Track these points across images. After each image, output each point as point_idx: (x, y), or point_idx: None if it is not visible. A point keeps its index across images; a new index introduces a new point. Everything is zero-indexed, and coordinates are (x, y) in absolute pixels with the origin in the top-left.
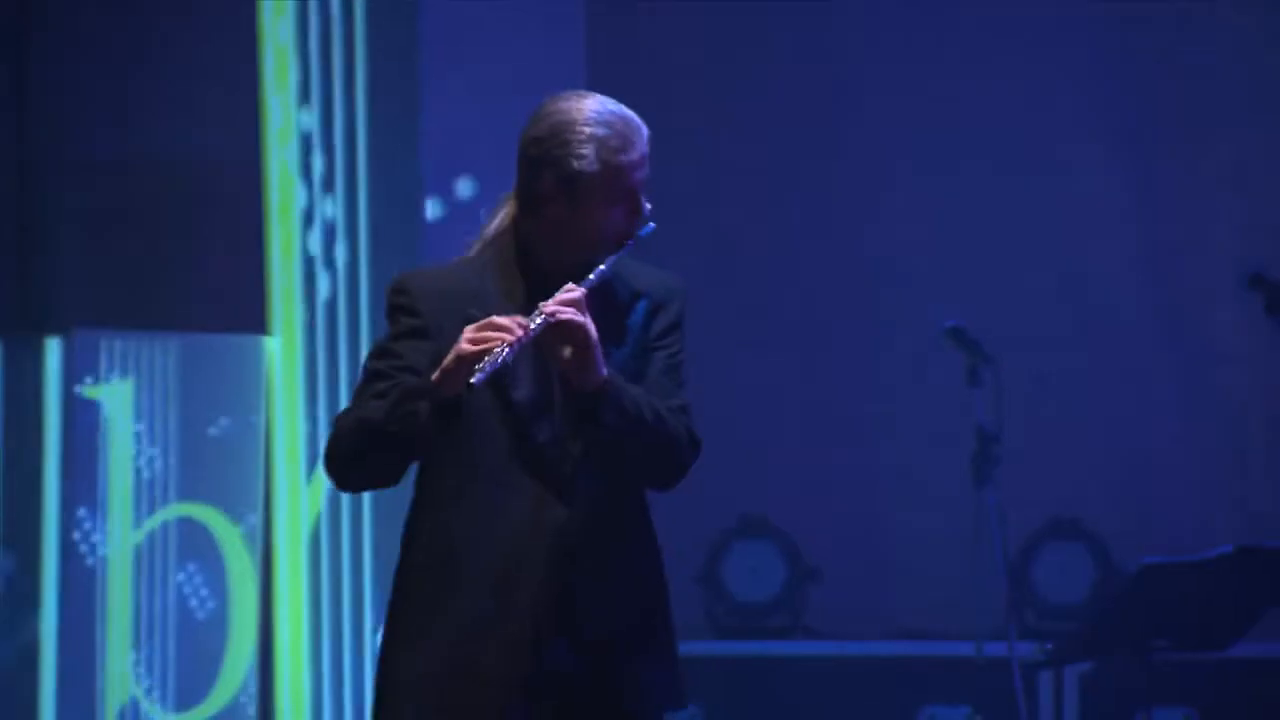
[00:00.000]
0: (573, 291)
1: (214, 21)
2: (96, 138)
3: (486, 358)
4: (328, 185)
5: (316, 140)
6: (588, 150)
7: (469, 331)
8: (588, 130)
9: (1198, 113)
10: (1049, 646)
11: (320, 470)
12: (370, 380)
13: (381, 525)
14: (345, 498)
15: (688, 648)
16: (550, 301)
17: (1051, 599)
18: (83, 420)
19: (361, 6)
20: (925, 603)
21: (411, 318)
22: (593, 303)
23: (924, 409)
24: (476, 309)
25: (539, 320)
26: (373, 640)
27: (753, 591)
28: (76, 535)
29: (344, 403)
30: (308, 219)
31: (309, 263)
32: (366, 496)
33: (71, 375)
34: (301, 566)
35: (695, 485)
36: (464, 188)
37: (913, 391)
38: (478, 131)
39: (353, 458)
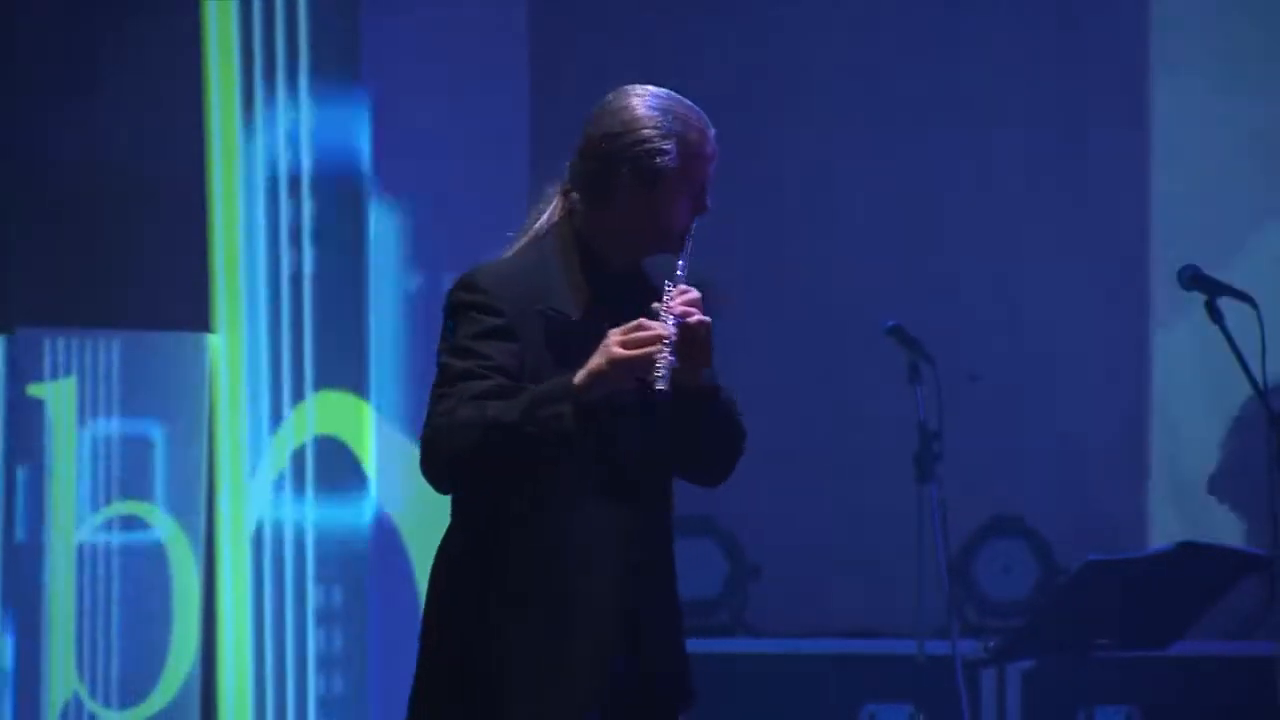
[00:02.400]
0: (690, 292)
1: (157, 23)
2: (39, 137)
3: (659, 363)
4: (271, 183)
5: (260, 139)
6: (670, 145)
7: (617, 335)
8: (667, 125)
9: (1136, 108)
10: (991, 645)
11: (264, 468)
12: (460, 379)
13: (323, 524)
14: (288, 496)
15: None
16: (673, 302)
17: (994, 596)
18: (26, 418)
19: (305, 8)
20: (867, 600)
21: (493, 316)
22: (634, 297)
23: (865, 407)
24: (548, 306)
25: (672, 321)
26: (315, 638)
27: (694, 589)
28: (19, 532)
29: (288, 400)
30: (251, 217)
31: (252, 260)
32: (310, 494)
33: (14, 373)
34: (244, 564)
35: None
36: (409, 185)
37: (854, 389)
38: (422, 129)
39: (474, 458)
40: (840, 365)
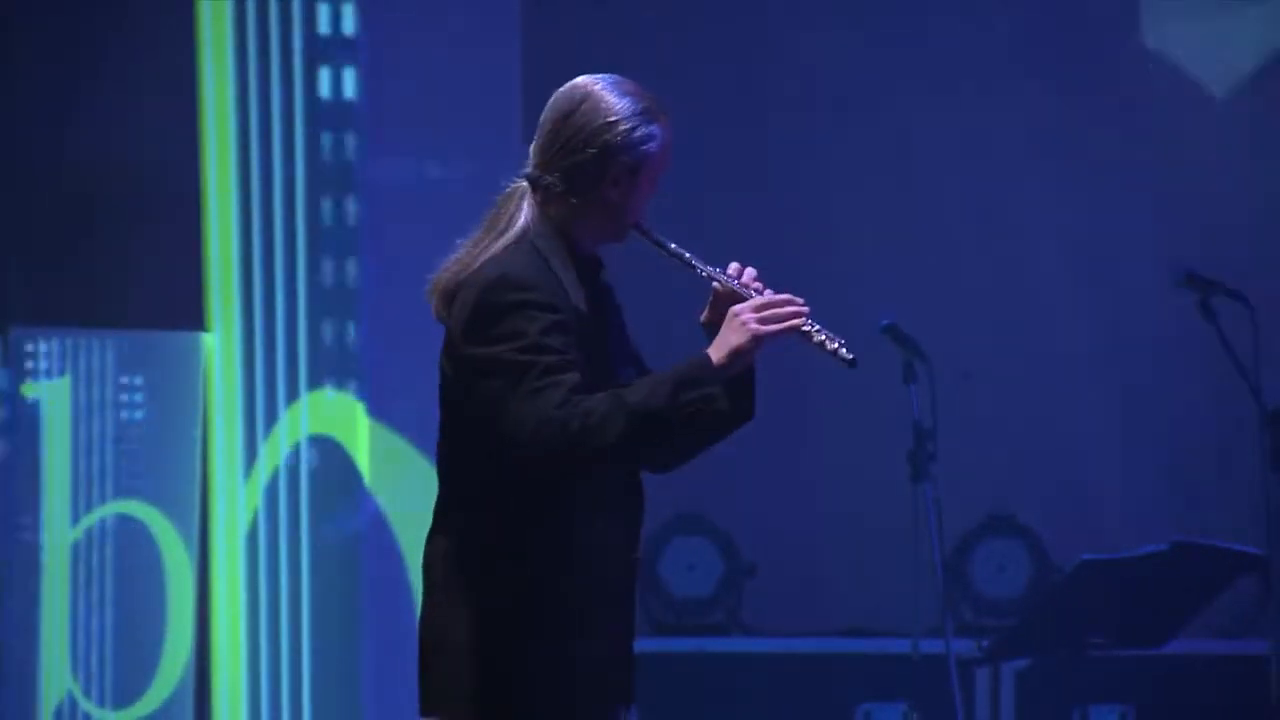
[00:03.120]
0: (749, 270)
1: (152, 23)
2: (33, 138)
3: (822, 333)
4: (265, 183)
5: (254, 139)
6: (653, 130)
7: (750, 312)
8: (649, 111)
9: (1131, 110)
10: (985, 644)
11: (258, 467)
12: (553, 372)
13: (318, 523)
14: (282, 496)
15: None
16: (749, 279)
17: (988, 595)
18: (20, 418)
19: (300, 8)
20: (862, 599)
21: (551, 312)
22: (599, 283)
23: (860, 406)
24: (574, 302)
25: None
26: (308, 637)
27: (689, 588)
28: (13, 531)
29: (282, 400)
30: (245, 217)
31: (247, 260)
32: (304, 493)
33: (9, 373)
34: (238, 563)
35: None
36: (401, 183)
37: (848, 389)
38: (419, 129)
39: (625, 447)
40: (835, 364)
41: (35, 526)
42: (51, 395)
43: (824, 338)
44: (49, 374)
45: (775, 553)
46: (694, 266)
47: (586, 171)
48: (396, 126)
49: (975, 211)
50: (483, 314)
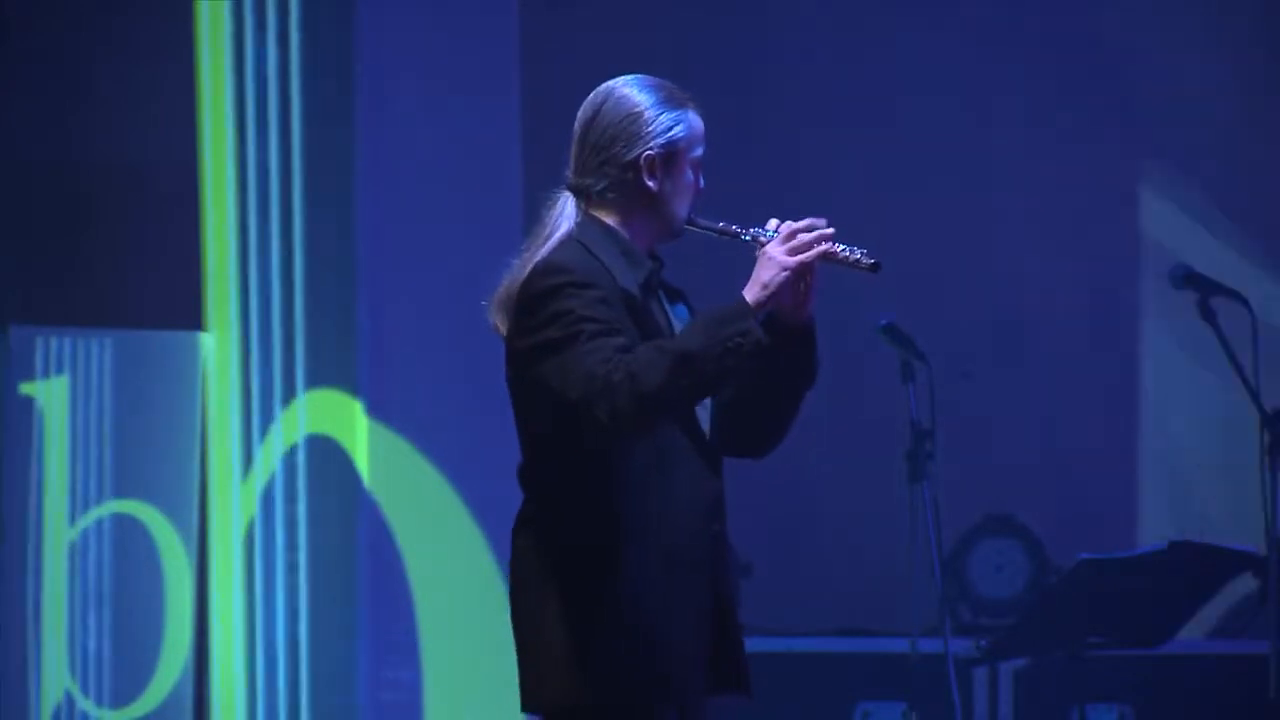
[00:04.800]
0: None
1: (150, 23)
2: (31, 137)
3: (848, 251)
4: (263, 183)
5: (252, 138)
6: (679, 119)
7: (778, 246)
8: (676, 99)
9: (1132, 114)
10: (984, 643)
11: (256, 467)
12: (599, 336)
13: (315, 522)
14: (280, 496)
15: None
16: (784, 228)
17: (986, 595)
18: (19, 417)
19: (297, 9)
20: (860, 599)
21: (590, 289)
22: (662, 283)
23: (858, 405)
24: (617, 284)
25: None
26: (307, 637)
27: None
28: (11, 531)
29: (280, 399)
30: (243, 216)
31: (244, 259)
32: (302, 493)
33: (7, 372)
34: (236, 563)
35: None
36: (399, 181)
37: (846, 388)
38: (413, 127)
39: (667, 390)
40: (833, 364)
41: (33, 526)
42: (49, 394)
43: (850, 255)
44: (47, 373)
45: (773, 552)
46: (743, 238)
47: (621, 167)
48: (396, 126)
49: (975, 211)
50: (526, 306)
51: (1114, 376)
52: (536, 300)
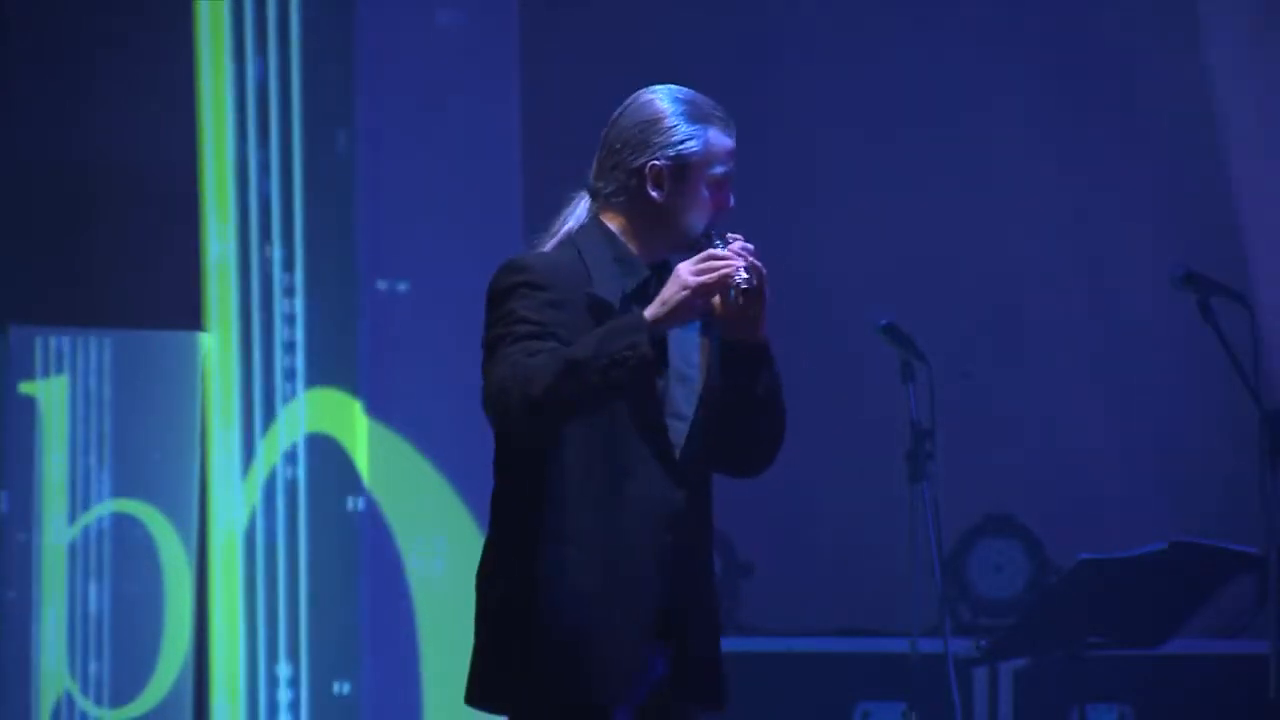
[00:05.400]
0: (746, 243)
1: (150, 23)
2: (31, 137)
3: (738, 276)
4: (263, 183)
5: (252, 138)
6: (694, 133)
7: (688, 265)
8: (696, 113)
9: (1132, 114)
10: (984, 643)
11: (256, 467)
12: (522, 340)
13: (315, 521)
14: (280, 495)
15: None
16: (734, 245)
17: (986, 595)
18: (18, 417)
19: (297, 9)
20: (860, 599)
21: (542, 291)
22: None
23: (857, 405)
24: (591, 291)
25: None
26: (307, 636)
27: None
28: (11, 530)
29: (280, 398)
30: (243, 216)
31: (244, 259)
32: (303, 493)
33: (7, 372)
34: (236, 562)
35: None
36: (399, 182)
37: (847, 388)
38: (413, 127)
39: (551, 396)
40: (833, 363)
41: (32, 526)
42: (49, 394)
43: (742, 284)
44: (46, 372)
45: (773, 552)
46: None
47: (628, 173)
48: (396, 126)
49: (975, 211)
50: (488, 302)
51: (1114, 376)
52: (491, 298)
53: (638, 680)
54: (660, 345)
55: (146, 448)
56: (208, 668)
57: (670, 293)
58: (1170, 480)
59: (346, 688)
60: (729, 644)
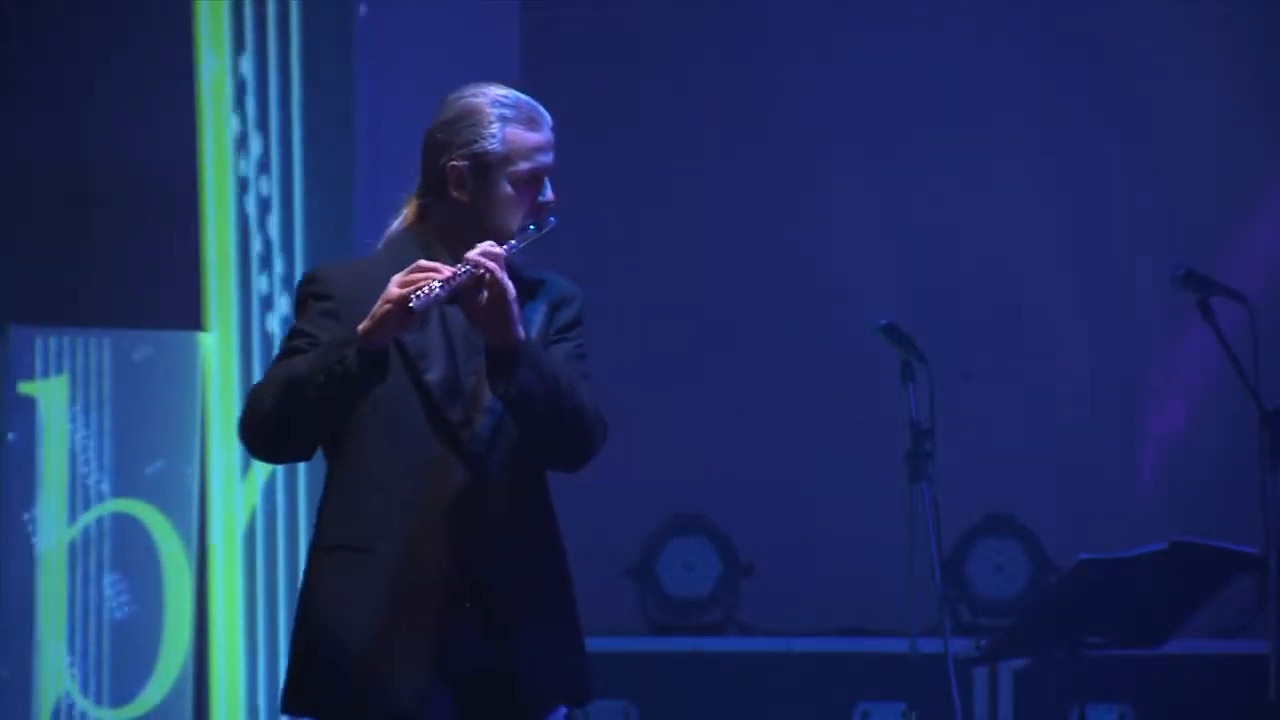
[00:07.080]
0: (494, 247)
1: (150, 23)
2: (32, 137)
3: (422, 289)
4: (263, 183)
5: (252, 138)
6: (493, 131)
7: (397, 278)
8: (495, 111)
9: (1132, 114)
10: (983, 643)
11: (256, 466)
12: (284, 356)
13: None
14: (281, 493)
15: (621, 643)
16: (473, 253)
17: (986, 595)
18: (18, 417)
19: (297, 8)
20: (860, 599)
21: (322, 301)
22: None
23: (858, 405)
24: (369, 291)
25: (464, 268)
26: None
27: (687, 587)
28: (10, 530)
29: None
30: (243, 216)
31: (244, 259)
32: (303, 492)
33: (7, 372)
34: (236, 562)
35: (631, 481)
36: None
37: (846, 388)
38: (413, 128)
39: (275, 416)
40: (833, 364)
41: (32, 525)
42: (49, 394)
43: (421, 294)
44: (46, 372)
45: (773, 552)
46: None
47: (435, 174)
48: (396, 127)
49: (975, 211)
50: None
51: (1114, 376)
52: (292, 307)
53: (386, 674)
54: (374, 357)
55: (146, 447)
56: (208, 668)
57: (377, 304)
58: (1170, 480)
59: None
60: (729, 644)
